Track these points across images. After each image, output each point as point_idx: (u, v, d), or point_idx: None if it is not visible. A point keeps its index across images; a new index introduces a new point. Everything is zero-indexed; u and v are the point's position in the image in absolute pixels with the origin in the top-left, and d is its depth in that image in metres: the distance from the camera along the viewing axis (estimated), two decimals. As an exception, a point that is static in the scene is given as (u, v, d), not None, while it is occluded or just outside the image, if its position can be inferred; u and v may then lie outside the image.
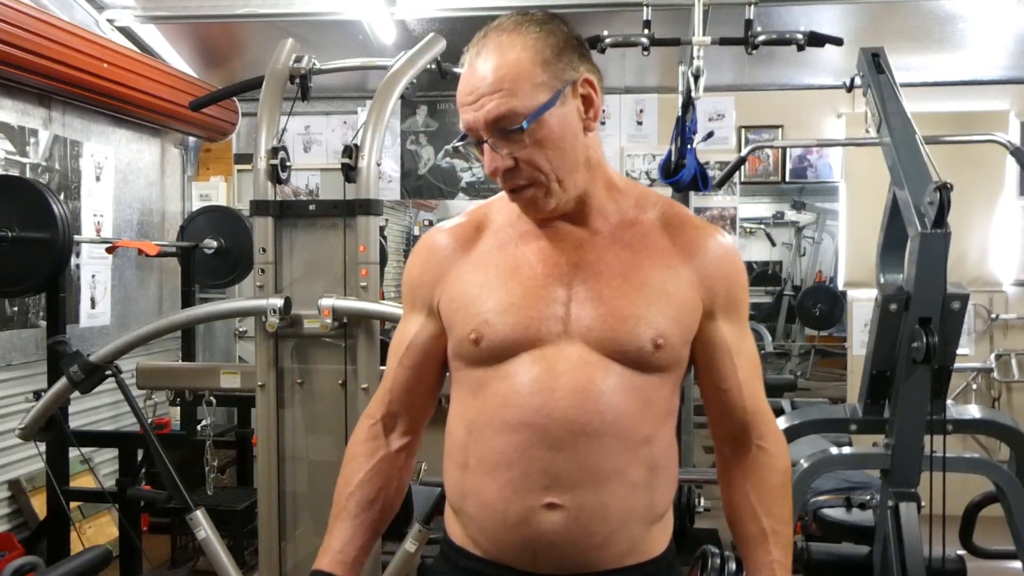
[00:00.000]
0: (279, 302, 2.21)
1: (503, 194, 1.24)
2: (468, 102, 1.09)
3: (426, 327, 1.24)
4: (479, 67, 1.09)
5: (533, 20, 1.11)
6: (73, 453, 3.07)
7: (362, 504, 1.25)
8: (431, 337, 1.24)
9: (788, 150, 4.59)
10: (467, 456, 1.15)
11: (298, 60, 2.38)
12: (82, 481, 3.49)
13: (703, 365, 1.20)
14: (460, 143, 1.16)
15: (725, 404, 1.21)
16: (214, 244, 4.06)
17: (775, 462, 1.23)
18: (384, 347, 2.32)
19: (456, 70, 2.58)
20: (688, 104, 3.28)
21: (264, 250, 2.27)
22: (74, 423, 3.15)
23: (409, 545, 2.15)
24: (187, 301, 3.95)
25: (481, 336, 1.12)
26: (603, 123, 4.55)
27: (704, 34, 2.84)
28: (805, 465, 2.04)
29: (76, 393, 2.39)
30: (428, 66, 2.48)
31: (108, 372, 2.35)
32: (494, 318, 1.12)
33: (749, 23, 2.90)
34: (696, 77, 2.81)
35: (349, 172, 2.26)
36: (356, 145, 2.25)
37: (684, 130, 3.39)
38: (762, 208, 6.18)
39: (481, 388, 1.14)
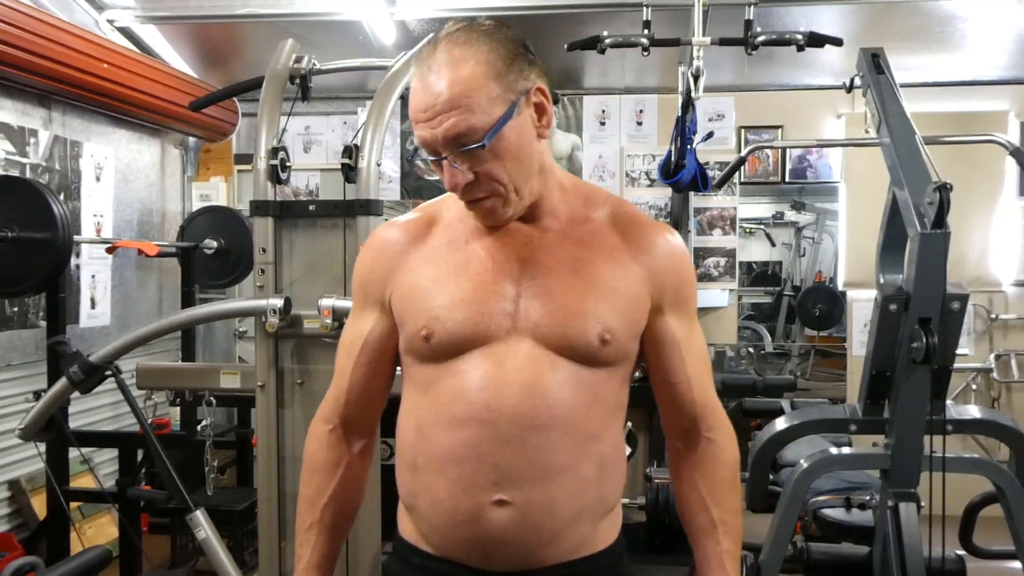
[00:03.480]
0: (279, 302, 2.21)
1: None
2: (424, 119, 1.08)
3: (379, 324, 1.24)
4: (433, 83, 1.07)
5: (482, 31, 1.10)
6: (73, 453, 3.07)
7: (336, 514, 1.29)
8: (384, 334, 1.24)
9: (788, 150, 4.59)
10: (416, 455, 1.16)
11: (298, 60, 2.38)
12: (82, 481, 3.49)
13: (653, 360, 1.23)
14: (415, 156, 1.17)
15: (675, 398, 1.24)
16: (214, 244, 4.05)
17: (724, 455, 1.25)
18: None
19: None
20: (688, 104, 3.28)
21: (264, 250, 2.27)
22: (74, 423, 3.15)
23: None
24: (187, 301, 3.95)
25: (432, 332, 1.13)
26: (603, 123, 4.55)
27: (704, 34, 2.84)
28: (805, 465, 2.04)
29: (76, 393, 2.39)
30: (428, 66, 2.48)
31: (108, 372, 2.35)
32: (444, 314, 1.13)
33: (749, 23, 2.90)
34: (696, 77, 2.81)
35: (349, 172, 2.26)
36: (356, 145, 2.25)
37: (684, 130, 3.39)
38: (762, 208, 6.18)
39: (431, 385, 1.15)
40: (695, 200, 4.35)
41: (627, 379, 1.20)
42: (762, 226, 6.28)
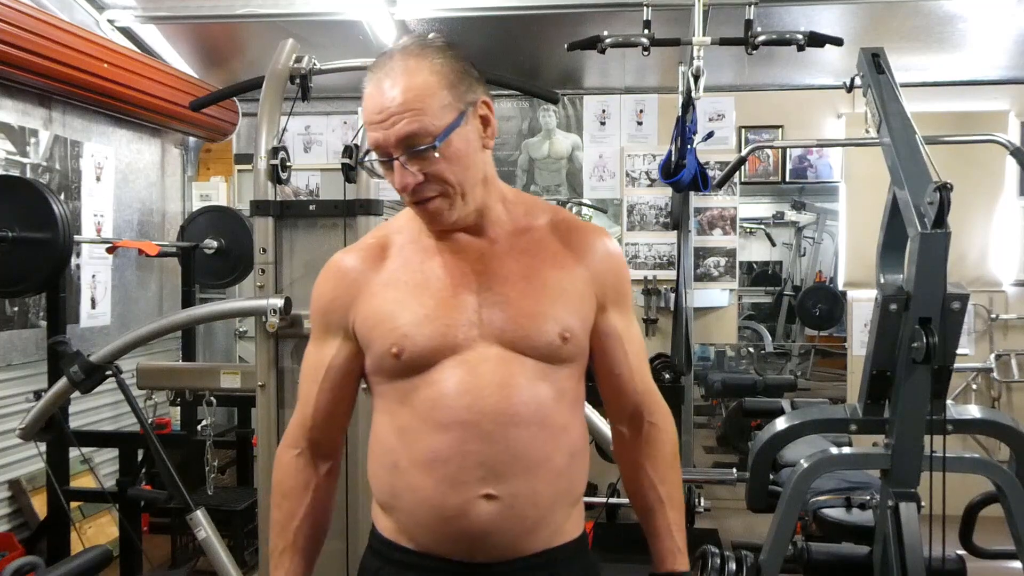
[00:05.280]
0: (279, 302, 2.21)
1: (403, 213, 1.31)
2: (377, 120, 1.14)
3: (343, 349, 1.29)
4: (387, 89, 1.14)
5: (434, 47, 1.17)
6: (73, 453, 3.07)
7: (309, 537, 1.33)
8: (348, 358, 1.29)
9: (788, 150, 4.59)
10: (397, 458, 1.20)
11: (298, 60, 2.38)
12: (82, 481, 3.49)
13: (599, 354, 1.31)
14: (367, 160, 1.21)
15: (619, 387, 1.33)
16: (214, 244, 4.06)
17: (666, 436, 1.36)
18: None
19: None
20: (688, 104, 3.28)
21: (264, 250, 2.27)
22: (74, 423, 3.15)
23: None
24: (187, 301, 3.95)
25: (402, 349, 1.18)
26: (603, 123, 4.55)
27: (704, 34, 2.84)
28: (805, 465, 2.04)
29: (76, 393, 2.39)
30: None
31: (108, 372, 2.35)
32: (412, 331, 1.18)
33: (749, 23, 2.90)
34: (696, 77, 2.81)
35: (349, 172, 2.26)
36: (356, 145, 2.25)
37: (684, 130, 3.39)
38: (762, 208, 6.18)
39: (408, 396, 1.20)
40: (695, 200, 4.35)
41: (583, 375, 1.29)
42: (762, 226, 6.28)
